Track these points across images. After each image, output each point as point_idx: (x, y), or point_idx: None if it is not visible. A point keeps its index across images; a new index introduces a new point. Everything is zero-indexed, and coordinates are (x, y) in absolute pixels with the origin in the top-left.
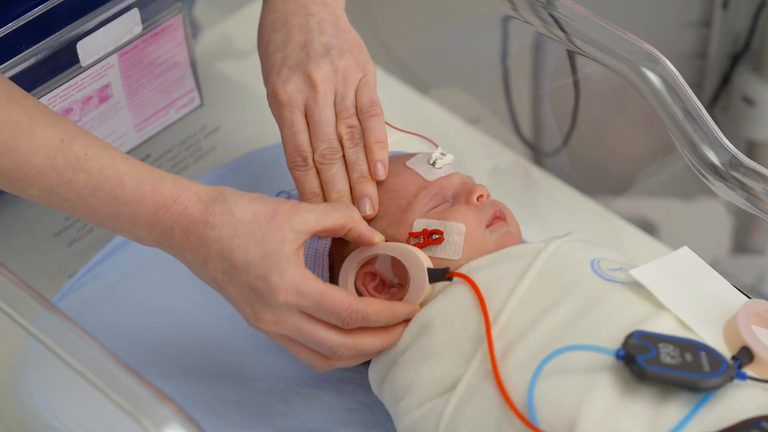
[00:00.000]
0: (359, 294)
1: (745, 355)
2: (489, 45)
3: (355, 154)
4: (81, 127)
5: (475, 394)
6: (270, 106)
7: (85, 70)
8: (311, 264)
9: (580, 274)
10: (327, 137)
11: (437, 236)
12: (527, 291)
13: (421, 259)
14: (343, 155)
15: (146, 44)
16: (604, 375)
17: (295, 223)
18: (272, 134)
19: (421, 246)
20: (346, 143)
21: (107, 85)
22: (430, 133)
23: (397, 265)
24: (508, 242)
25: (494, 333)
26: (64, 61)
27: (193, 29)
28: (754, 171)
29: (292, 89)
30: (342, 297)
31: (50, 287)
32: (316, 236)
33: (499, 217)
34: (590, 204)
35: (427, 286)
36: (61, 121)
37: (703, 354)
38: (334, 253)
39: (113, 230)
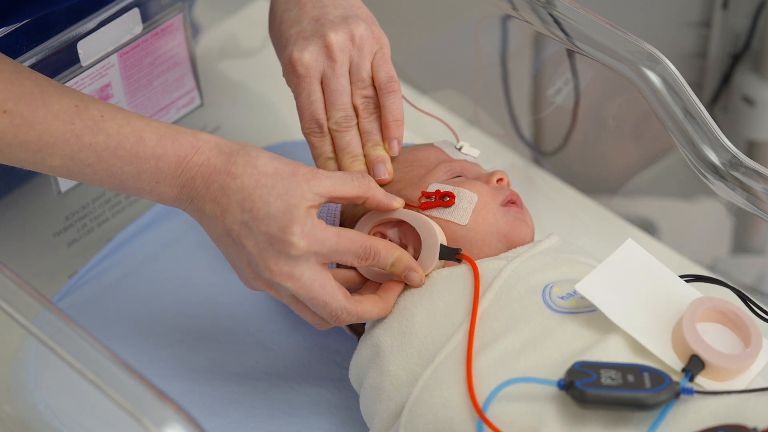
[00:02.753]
0: None
1: (695, 364)
2: (489, 45)
3: (370, 124)
4: (90, 95)
5: (417, 417)
6: (286, 76)
7: (85, 70)
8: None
9: (531, 307)
10: (343, 106)
11: (448, 198)
12: (478, 319)
13: (436, 234)
14: (357, 124)
15: (146, 44)
16: (550, 406)
17: (313, 185)
18: (272, 134)
19: (430, 206)
20: (362, 113)
21: (107, 85)
22: (430, 133)
23: (407, 230)
24: (519, 229)
25: (444, 353)
26: (65, 61)
27: (193, 29)
28: (754, 171)
29: (309, 59)
30: (356, 235)
31: (50, 287)
32: (332, 202)
33: (514, 202)
34: (590, 204)
35: (437, 261)
36: (71, 91)
37: (645, 374)
38: (345, 211)
39: (134, 191)
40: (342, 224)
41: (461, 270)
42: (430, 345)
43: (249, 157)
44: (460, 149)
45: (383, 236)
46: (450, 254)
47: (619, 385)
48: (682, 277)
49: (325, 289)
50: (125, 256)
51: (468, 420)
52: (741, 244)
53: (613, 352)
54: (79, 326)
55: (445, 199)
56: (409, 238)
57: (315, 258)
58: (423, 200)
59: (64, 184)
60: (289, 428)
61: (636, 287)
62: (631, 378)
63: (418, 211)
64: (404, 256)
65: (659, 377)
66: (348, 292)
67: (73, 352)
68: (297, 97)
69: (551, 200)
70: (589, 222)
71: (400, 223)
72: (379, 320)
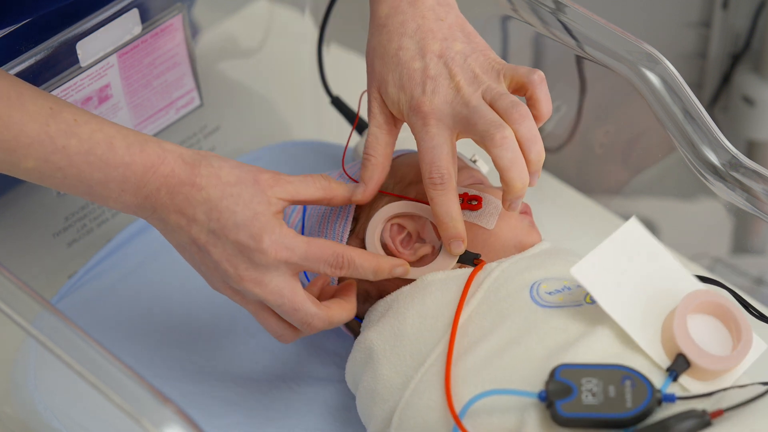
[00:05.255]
0: (384, 246)
1: (681, 363)
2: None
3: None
4: (65, 100)
5: (406, 420)
6: (411, 118)
7: (84, 71)
8: (335, 213)
9: (517, 303)
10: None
11: (476, 202)
12: (467, 320)
13: None
14: None
15: (146, 44)
16: (532, 413)
17: (276, 191)
18: (272, 134)
19: None
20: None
21: (107, 86)
22: None
23: (425, 226)
24: (534, 238)
25: (434, 356)
26: (64, 61)
27: (193, 29)
28: (754, 171)
29: (439, 102)
30: (327, 243)
31: (50, 287)
32: (296, 204)
33: (527, 212)
34: (590, 204)
35: (454, 263)
36: (46, 94)
37: (627, 383)
38: (359, 205)
39: (100, 198)
40: (356, 219)
41: (455, 272)
42: (422, 347)
43: (212, 168)
44: (474, 162)
45: (402, 228)
46: (469, 259)
47: (599, 405)
48: None
49: (295, 296)
50: (125, 256)
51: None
52: (741, 244)
53: (599, 347)
54: (78, 327)
55: (473, 203)
56: (427, 234)
57: (285, 267)
58: None
59: None
60: (288, 429)
61: (632, 273)
62: (612, 391)
63: None
64: (383, 264)
65: (641, 389)
66: (317, 300)
67: (72, 353)
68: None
69: (551, 200)
70: (589, 222)
71: (418, 219)
72: (372, 323)
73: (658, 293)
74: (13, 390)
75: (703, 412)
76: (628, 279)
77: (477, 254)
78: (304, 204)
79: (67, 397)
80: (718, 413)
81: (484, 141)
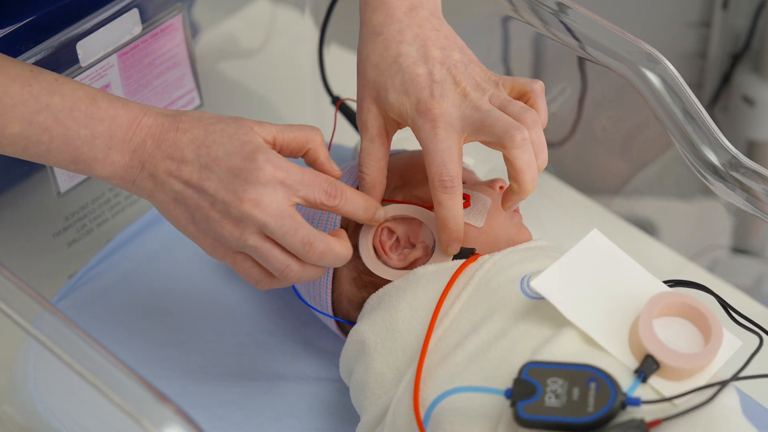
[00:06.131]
0: (374, 251)
1: (649, 364)
2: (487, 46)
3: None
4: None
5: (398, 418)
6: (418, 121)
7: (85, 71)
8: (323, 219)
9: (507, 295)
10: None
11: (464, 200)
12: (458, 312)
13: None
14: None
15: (146, 44)
16: (507, 413)
17: (258, 129)
18: None
19: None
20: None
21: (107, 86)
22: None
23: (417, 229)
24: (524, 235)
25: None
26: (64, 61)
27: (193, 29)
28: (754, 171)
29: (447, 105)
30: (321, 173)
31: (50, 287)
32: (276, 149)
33: (516, 211)
34: (590, 204)
35: (449, 260)
36: (23, 62)
37: (592, 386)
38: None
39: (88, 163)
40: (344, 228)
41: (447, 265)
42: (413, 341)
43: (192, 115)
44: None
45: (392, 232)
46: (465, 255)
47: (560, 408)
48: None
49: (295, 216)
50: (125, 256)
51: None
52: (741, 244)
53: (569, 345)
54: (78, 327)
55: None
56: (417, 237)
57: (282, 190)
58: None
59: (64, 185)
60: (287, 429)
61: (597, 282)
62: (576, 393)
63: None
64: (372, 202)
65: (605, 392)
66: None
67: (72, 353)
68: (430, 143)
69: (551, 200)
70: (589, 222)
71: (410, 221)
72: (364, 316)
73: (625, 300)
74: (13, 390)
75: (641, 422)
76: (593, 288)
77: (472, 249)
78: (288, 153)
79: (67, 397)
80: (656, 423)
81: (503, 142)
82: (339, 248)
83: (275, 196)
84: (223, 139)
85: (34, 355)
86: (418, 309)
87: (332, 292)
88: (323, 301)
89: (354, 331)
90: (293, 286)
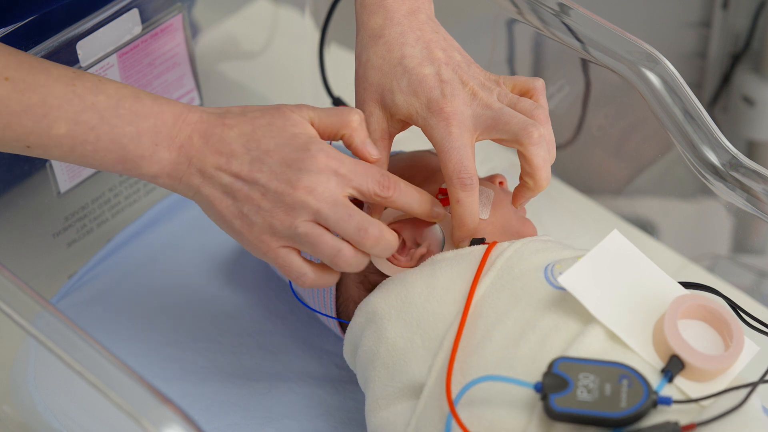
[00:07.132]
0: None
1: (675, 364)
2: (489, 48)
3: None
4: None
5: (429, 408)
6: (430, 121)
7: (84, 71)
8: None
9: (532, 283)
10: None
11: None
12: (481, 298)
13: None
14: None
15: (146, 44)
16: (538, 406)
17: (299, 114)
18: None
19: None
20: None
21: None
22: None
23: (422, 229)
24: (529, 228)
25: (450, 338)
26: (64, 61)
27: (193, 29)
28: (754, 171)
29: (459, 104)
30: (373, 165)
31: (50, 287)
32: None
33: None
34: (590, 204)
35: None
36: (63, 65)
37: (624, 383)
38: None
39: (134, 161)
40: None
41: (465, 250)
42: (430, 317)
43: (236, 110)
44: None
45: (397, 233)
46: (477, 244)
47: (593, 402)
48: None
49: (348, 204)
50: (125, 256)
51: None
52: (741, 245)
53: (597, 342)
54: (78, 327)
55: None
56: (422, 237)
57: (335, 178)
58: (440, 197)
59: (64, 184)
60: (287, 430)
61: (620, 281)
62: (608, 389)
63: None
64: (426, 196)
65: (638, 390)
66: None
67: (72, 353)
68: (444, 142)
69: (551, 200)
70: (589, 222)
71: (412, 221)
72: (376, 291)
73: (647, 300)
74: (13, 390)
75: (675, 425)
76: (616, 287)
77: (482, 238)
78: (327, 138)
79: (67, 397)
80: (691, 427)
81: (519, 139)
82: (390, 236)
83: (329, 185)
84: (273, 132)
85: (33, 355)
86: (436, 287)
87: (339, 296)
88: (326, 301)
89: (364, 303)
90: (292, 288)
